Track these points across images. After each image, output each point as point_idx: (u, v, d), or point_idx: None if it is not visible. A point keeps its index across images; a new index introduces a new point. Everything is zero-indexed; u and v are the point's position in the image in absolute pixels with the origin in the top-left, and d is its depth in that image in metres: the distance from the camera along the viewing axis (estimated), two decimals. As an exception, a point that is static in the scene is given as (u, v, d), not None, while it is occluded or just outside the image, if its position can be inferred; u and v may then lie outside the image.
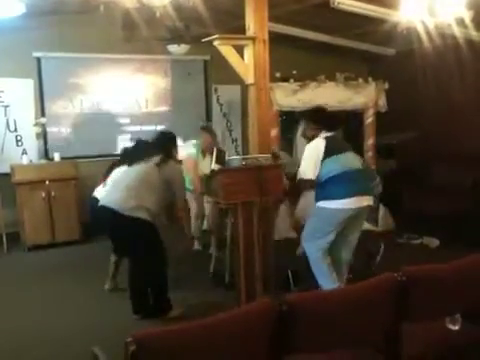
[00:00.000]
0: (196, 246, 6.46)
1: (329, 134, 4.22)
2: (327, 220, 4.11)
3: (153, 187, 4.14)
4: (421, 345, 2.57)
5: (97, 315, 4.38)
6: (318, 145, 4.14)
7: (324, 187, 4.10)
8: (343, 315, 2.26)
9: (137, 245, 4.10)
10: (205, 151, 5.77)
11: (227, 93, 8.16)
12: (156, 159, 4.16)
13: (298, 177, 4.19)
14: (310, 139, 4.30)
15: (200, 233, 6.43)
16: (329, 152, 4.09)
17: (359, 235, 4.31)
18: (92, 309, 4.53)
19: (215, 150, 5.06)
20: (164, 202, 4.31)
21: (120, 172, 4.42)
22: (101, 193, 4.64)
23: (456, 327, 2.69)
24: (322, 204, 4.12)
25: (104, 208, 4.14)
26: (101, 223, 4.35)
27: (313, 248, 4.22)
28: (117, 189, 4.19)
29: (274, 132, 6.37)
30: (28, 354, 3.78)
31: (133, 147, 4.92)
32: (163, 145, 4.34)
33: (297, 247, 5.88)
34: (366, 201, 4.12)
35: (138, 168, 4.19)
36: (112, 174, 4.60)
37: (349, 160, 4.19)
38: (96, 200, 4.62)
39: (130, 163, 4.27)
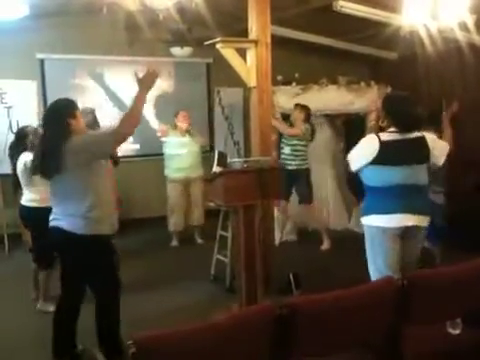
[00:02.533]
0: (174, 243, 6.62)
1: (395, 135, 3.47)
2: (377, 240, 3.53)
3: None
4: (421, 349, 2.57)
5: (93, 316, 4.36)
6: (371, 145, 3.45)
7: (368, 198, 3.61)
8: (344, 319, 2.26)
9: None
10: (178, 125, 6.46)
11: (229, 96, 8.15)
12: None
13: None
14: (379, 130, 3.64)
15: (181, 228, 6.58)
16: (381, 160, 3.41)
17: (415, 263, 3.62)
18: (90, 310, 4.52)
19: (217, 152, 5.06)
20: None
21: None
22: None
23: (456, 331, 2.69)
24: (366, 221, 3.58)
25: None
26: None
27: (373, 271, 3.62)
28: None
29: (275, 136, 6.38)
30: (28, 354, 3.79)
31: (18, 141, 4.57)
32: (54, 121, 3.36)
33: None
34: (413, 220, 3.45)
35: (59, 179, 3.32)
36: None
37: (407, 174, 3.45)
38: (26, 209, 4.48)
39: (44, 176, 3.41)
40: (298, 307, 2.12)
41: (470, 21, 4.86)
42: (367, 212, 3.56)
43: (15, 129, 6.79)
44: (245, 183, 3.73)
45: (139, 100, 3.41)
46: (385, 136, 3.45)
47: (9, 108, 6.84)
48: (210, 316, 2.15)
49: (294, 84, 6.79)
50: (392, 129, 3.46)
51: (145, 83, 3.43)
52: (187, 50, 7.06)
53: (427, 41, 5.63)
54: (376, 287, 2.47)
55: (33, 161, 3.55)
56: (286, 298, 2.20)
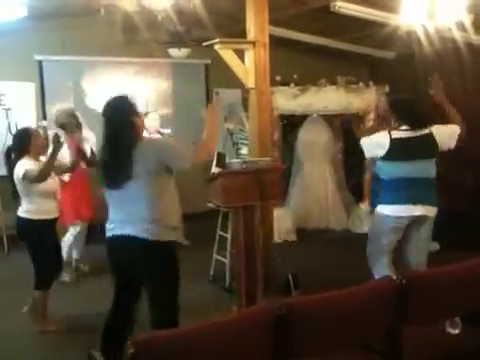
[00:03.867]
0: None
1: (405, 132, 3.82)
2: (381, 227, 3.96)
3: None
4: (421, 348, 2.57)
5: (92, 317, 4.35)
6: (382, 141, 3.81)
7: (381, 189, 3.97)
8: (343, 318, 2.26)
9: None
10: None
11: (228, 97, 8.17)
12: None
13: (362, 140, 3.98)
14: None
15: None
16: (392, 156, 3.78)
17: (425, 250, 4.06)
18: (91, 310, 4.52)
19: (216, 153, 5.07)
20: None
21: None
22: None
23: (456, 331, 2.69)
24: (378, 209, 3.97)
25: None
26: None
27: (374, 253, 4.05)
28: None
29: (275, 136, 6.39)
30: (27, 356, 3.79)
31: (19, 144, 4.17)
32: (119, 133, 3.10)
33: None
34: (420, 211, 3.87)
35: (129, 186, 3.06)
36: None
37: (414, 168, 3.83)
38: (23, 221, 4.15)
39: (112, 186, 3.10)
40: (297, 307, 2.12)
41: (467, 21, 4.86)
42: (382, 202, 3.92)
43: (14, 131, 6.81)
44: (244, 184, 3.73)
45: (211, 129, 3.32)
46: (397, 134, 3.80)
47: (7, 110, 6.84)
48: (209, 317, 2.15)
49: (292, 85, 6.79)
50: (404, 127, 3.82)
51: (212, 113, 3.43)
52: (185, 51, 7.06)
53: (425, 41, 5.64)
54: (375, 287, 2.47)
55: (102, 169, 3.13)
56: (285, 298, 2.19)
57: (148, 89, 7.86)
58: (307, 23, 6.68)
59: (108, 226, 3.17)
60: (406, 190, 3.80)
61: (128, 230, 3.04)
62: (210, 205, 5.42)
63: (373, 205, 4.18)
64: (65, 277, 5.18)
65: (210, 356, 1.94)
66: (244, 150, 6.14)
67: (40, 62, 7.11)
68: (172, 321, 3.12)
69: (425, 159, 3.89)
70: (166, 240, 3.07)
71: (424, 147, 3.87)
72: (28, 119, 6.93)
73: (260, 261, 3.97)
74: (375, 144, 3.87)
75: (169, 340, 1.90)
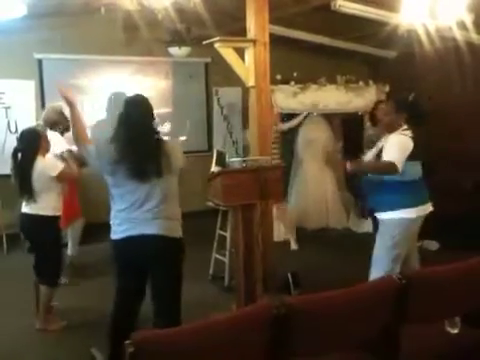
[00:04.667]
0: None
1: (409, 132, 3.81)
2: (407, 232, 3.81)
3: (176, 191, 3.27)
4: (420, 348, 2.57)
5: (93, 317, 4.36)
6: (409, 142, 3.74)
7: (401, 192, 3.75)
8: (342, 318, 2.25)
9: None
10: None
11: (228, 95, 8.16)
12: None
13: (391, 159, 3.66)
14: (388, 130, 3.90)
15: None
16: (414, 156, 3.74)
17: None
18: (90, 310, 4.52)
19: (215, 152, 5.08)
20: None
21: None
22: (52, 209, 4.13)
23: (455, 330, 2.69)
24: (402, 214, 3.75)
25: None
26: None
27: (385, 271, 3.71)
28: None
29: (277, 133, 6.40)
30: (27, 355, 3.79)
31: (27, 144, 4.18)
32: (146, 133, 3.12)
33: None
34: (431, 207, 3.94)
35: (157, 183, 3.11)
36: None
37: (419, 168, 3.89)
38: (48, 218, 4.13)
39: (140, 177, 3.05)
40: (296, 307, 2.11)
41: (468, 20, 4.86)
42: (405, 206, 3.74)
43: (13, 129, 6.82)
44: (244, 183, 3.73)
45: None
46: (408, 134, 3.77)
47: (7, 108, 6.84)
48: (208, 315, 2.15)
49: (293, 83, 6.79)
50: (406, 127, 3.80)
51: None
52: (185, 50, 7.05)
53: (425, 40, 5.62)
54: (374, 286, 2.47)
55: (133, 164, 3.05)
56: (284, 297, 2.19)
57: (148, 88, 7.85)
58: (307, 22, 6.68)
59: (119, 227, 3.12)
60: (423, 189, 3.87)
61: (149, 229, 3.05)
62: (210, 204, 5.43)
63: (371, 210, 3.97)
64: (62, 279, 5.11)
65: (209, 355, 1.94)
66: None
67: (40, 60, 7.11)
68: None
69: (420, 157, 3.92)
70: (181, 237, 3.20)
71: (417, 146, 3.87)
72: (28, 117, 6.92)
73: (259, 260, 3.97)
74: (406, 150, 3.70)
75: (168, 339, 1.89)
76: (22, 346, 3.92)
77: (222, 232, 5.23)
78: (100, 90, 7.50)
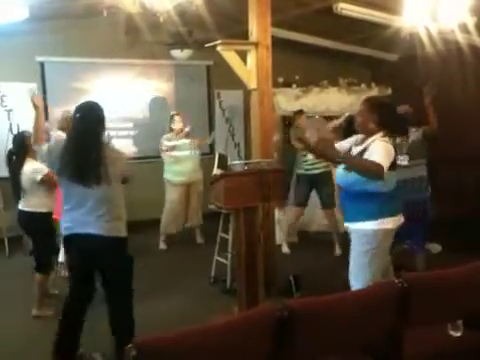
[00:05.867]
0: (162, 246, 6.63)
1: (390, 140, 3.47)
2: (384, 245, 3.50)
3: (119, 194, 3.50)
4: (422, 351, 2.56)
5: (94, 319, 4.35)
6: (391, 150, 3.41)
7: (375, 203, 3.44)
8: (345, 321, 2.25)
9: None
10: (175, 129, 6.44)
11: (230, 98, 8.18)
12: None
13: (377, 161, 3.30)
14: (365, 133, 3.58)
15: (174, 231, 6.63)
16: (394, 165, 3.44)
17: None
18: (91, 312, 4.51)
19: (217, 154, 5.07)
20: None
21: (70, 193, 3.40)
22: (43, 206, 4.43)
23: (458, 333, 2.68)
24: (378, 225, 3.43)
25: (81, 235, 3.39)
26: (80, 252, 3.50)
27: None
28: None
29: (278, 137, 6.38)
30: (28, 355, 3.80)
31: (17, 147, 4.54)
32: (90, 143, 3.32)
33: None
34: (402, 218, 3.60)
35: (98, 188, 3.30)
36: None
37: (395, 180, 3.56)
38: (26, 214, 4.48)
39: (81, 184, 3.28)
40: (298, 310, 2.11)
41: (470, 22, 4.85)
42: (380, 216, 3.43)
43: (15, 132, 6.82)
44: (246, 185, 3.72)
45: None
46: (390, 141, 3.45)
47: (9, 111, 6.85)
48: (210, 318, 2.14)
49: (295, 86, 6.79)
50: (382, 134, 3.44)
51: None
52: (187, 52, 7.07)
53: (427, 43, 5.62)
54: (376, 289, 2.46)
55: (72, 169, 3.30)
56: (286, 300, 2.18)
57: (150, 90, 7.87)
58: (309, 24, 6.68)
59: (66, 224, 3.43)
60: (398, 199, 3.57)
61: (91, 229, 3.32)
62: (212, 207, 5.43)
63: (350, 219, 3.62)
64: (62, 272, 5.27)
65: (211, 358, 1.94)
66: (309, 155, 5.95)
67: (42, 63, 7.13)
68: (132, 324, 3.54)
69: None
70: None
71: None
72: (30, 120, 6.92)
73: (261, 263, 3.96)
74: (390, 156, 3.38)
75: (170, 342, 1.89)
76: (24, 348, 3.91)
77: (224, 235, 5.23)
78: (102, 93, 7.51)
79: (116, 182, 3.37)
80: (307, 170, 6.01)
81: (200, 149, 6.62)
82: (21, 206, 4.57)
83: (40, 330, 4.23)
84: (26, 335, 4.15)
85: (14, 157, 4.54)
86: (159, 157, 6.64)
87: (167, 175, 6.53)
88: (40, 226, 4.50)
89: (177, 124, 6.41)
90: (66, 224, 3.42)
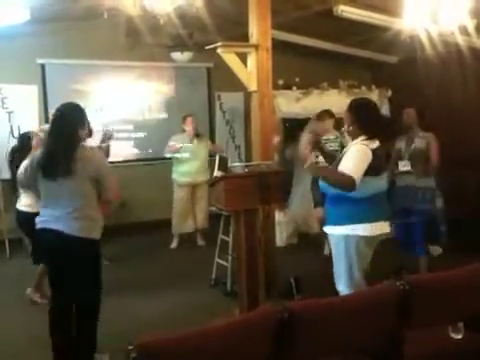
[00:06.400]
0: (173, 244, 6.68)
1: (372, 143, 3.36)
2: (359, 250, 3.39)
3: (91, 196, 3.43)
4: (423, 353, 2.56)
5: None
6: (368, 154, 3.29)
7: (348, 206, 3.36)
8: (345, 323, 2.25)
9: (87, 274, 3.45)
10: (191, 133, 6.54)
11: (230, 100, 8.17)
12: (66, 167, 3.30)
13: (347, 172, 3.26)
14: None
15: (184, 231, 6.69)
16: (373, 170, 3.30)
17: None
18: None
19: (218, 156, 5.08)
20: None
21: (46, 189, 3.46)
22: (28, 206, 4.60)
23: (459, 336, 2.67)
24: (344, 230, 3.37)
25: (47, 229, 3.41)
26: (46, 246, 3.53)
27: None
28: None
29: (278, 138, 6.39)
30: (29, 356, 3.81)
31: (20, 145, 4.80)
32: (66, 134, 3.37)
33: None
34: (387, 227, 3.46)
35: (63, 183, 3.32)
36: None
37: (383, 182, 3.47)
38: (25, 214, 4.60)
39: (48, 176, 3.35)
40: (299, 312, 2.11)
41: (470, 25, 4.86)
42: (352, 221, 3.35)
43: (17, 134, 6.84)
44: (246, 187, 3.72)
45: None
46: (372, 145, 3.34)
47: (10, 113, 6.86)
48: (211, 320, 2.14)
49: (295, 88, 6.80)
50: (364, 137, 3.36)
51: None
52: (187, 55, 7.08)
53: (427, 45, 5.63)
54: (377, 291, 2.46)
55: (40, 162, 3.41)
56: (287, 302, 2.18)
57: (151, 92, 7.88)
58: (310, 27, 6.69)
59: (39, 218, 3.47)
60: (380, 206, 3.42)
61: (61, 226, 3.33)
62: (212, 209, 5.43)
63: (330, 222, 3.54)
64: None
65: (212, 360, 1.94)
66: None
67: (43, 65, 7.14)
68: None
69: (386, 171, 3.54)
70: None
71: (385, 159, 3.56)
72: (31, 122, 6.94)
73: (262, 265, 3.96)
74: (364, 161, 3.28)
75: (171, 344, 1.89)
76: (25, 348, 3.92)
77: (224, 237, 5.23)
78: (103, 95, 7.53)
79: (86, 180, 3.34)
80: None
81: (213, 153, 6.49)
82: (18, 205, 4.71)
83: (41, 331, 4.22)
84: (27, 336, 4.15)
85: (16, 155, 4.72)
86: (162, 159, 6.72)
87: (174, 175, 6.64)
88: (24, 224, 4.61)
89: (188, 126, 6.50)
90: (41, 218, 3.45)
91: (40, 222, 3.45)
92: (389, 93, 7.14)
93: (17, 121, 6.88)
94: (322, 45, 7.44)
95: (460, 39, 5.51)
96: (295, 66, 7.48)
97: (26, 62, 6.85)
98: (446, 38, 5.53)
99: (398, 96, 7.11)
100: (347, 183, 3.21)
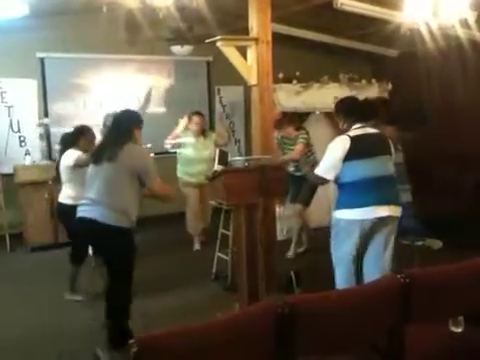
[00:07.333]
0: (196, 246, 6.46)
1: (360, 130, 3.72)
2: (344, 233, 3.74)
3: (126, 186, 3.71)
4: (424, 347, 2.57)
5: (96, 316, 4.35)
6: (342, 144, 3.65)
7: (342, 193, 3.76)
8: (346, 317, 2.25)
9: (118, 257, 3.75)
10: (196, 133, 6.20)
11: (230, 94, 8.17)
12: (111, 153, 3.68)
13: (315, 170, 3.80)
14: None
15: (199, 231, 6.48)
16: (353, 155, 3.60)
17: (392, 251, 3.81)
18: (93, 309, 4.52)
19: (218, 151, 5.06)
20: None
21: (90, 174, 3.87)
22: (70, 198, 4.74)
23: (459, 329, 2.68)
24: (338, 215, 3.75)
25: (84, 219, 3.75)
26: (82, 234, 4.00)
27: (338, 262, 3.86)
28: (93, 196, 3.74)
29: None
30: (28, 352, 3.81)
31: (72, 134, 5.01)
32: (122, 127, 3.84)
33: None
34: (386, 211, 3.66)
35: (106, 167, 3.69)
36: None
37: (376, 166, 3.70)
38: (66, 206, 4.71)
39: (96, 161, 3.78)
40: (299, 306, 2.11)
41: (471, 18, 4.83)
42: (342, 206, 3.73)
43: (16, 128, 6.86)
44: (246, 182, 3.72)
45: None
46: (352, 133, 3.70)
47: (10, 107, 6.86)
48: (211, 315, 2.14)
49: (295, 82, 6.78)
50: (357, 125, 3.75)
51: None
52: (187, 48, 7.05)
53: (428, 38, 5.60)
54: (378, 285, 2.46)
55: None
56: (287, 296, 2.18)
57: (150, 86, 7.86)
58: (310, 20, 6.67)
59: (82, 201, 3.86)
60: (372, 191, 3.62)
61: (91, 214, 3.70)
62: (213, 203, 5.42)
63: None
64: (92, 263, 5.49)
65: (212, 354, 1.94)
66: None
67: (42, 59, 7.12)
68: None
69: (384, 155, 3.78)
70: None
71: (380, 143, 3.81)
72: (30, 116, 6.94)
73: (262, 259, 3.96)
74: (338, 151, 3.65)
75: (172, 338, 1.89)
76: (22, 344, 3.92)
77: (225, 231, 5.23)
78: (102, 89, 7.51)
79: (126, 172, 3.66)
80: None
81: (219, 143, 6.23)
82: (60, 198, 4.92)
83: (41, 325, 4.24)
84: (26, 330, 4.16)
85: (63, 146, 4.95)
86: (159, 153, 6.62)
87: (179, 173, 6.39)
88: (67, 220, 4.59)
89: (194, 125, 6.16)
90: (79, 207, 3.82)
91: (78, 211, 3.79)
92: (389, 86, 7.12)
93: (17, 115, 6.89)
94: (322, 38, 7.42)
95: (461, 32, 5.48)
96: (295, 59, 7.45)
97: (25, 56, 6.82)
98: (446, 31, 5.51)
99: (398, 89, 7.09)
100: (316, 180, 3.89)
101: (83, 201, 3.80)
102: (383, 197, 3.66)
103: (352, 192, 3.65)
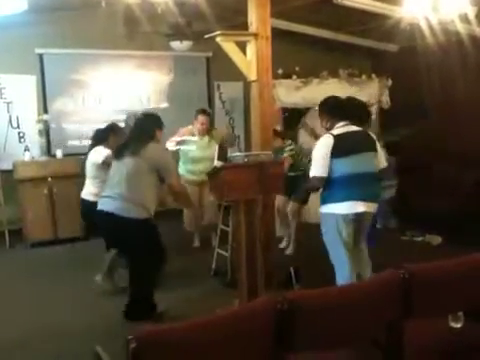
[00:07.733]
0: (196, 243, 6.43)
1: (343, 128, 3.87)
2: (330, 227, 3.89)
3: (145, 180, 4.02)
4: (423, 342, 2.57)
5: (96, 312, 4.37)
6: (325, 142, 3.82)
7: (325, 189, 3.89)
8: (345, 313, 2.25)
9: (138, 246, 4.02)
10: (201, 133, 6.02)
11: (229, 90, 8.15)
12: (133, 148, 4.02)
13: (310, 174, 3.91)
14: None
15: (199, 229, 6.43)
16: (337, 152, 3.76)
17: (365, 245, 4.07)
18: (93, 306, 4.53)
19: (217, 147, 5.05)
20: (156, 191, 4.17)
21: (112, 170, 4.21)
22: (92, 195, 4.80)
23: (458, 325, 2.68)
24: (322, 209, 3.93)
25: (103, 212, 4.05)
26: (101, 227, 4.23)
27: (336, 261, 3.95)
28: (113, 190, 4.05)
29: (280, 128, 6.37)
30: (28, 349, 3.80)
31: (104, 131, 5.09)
32: (145, 128, 4.21)
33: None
34: (363, 207, 3.81)
35: (127, 162, 4.01)
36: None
37: (359, 162, 3.83)
38: (88, 203, 4.79)
39: (118, 156, 4.14)
40: (298, 302, 2.11)
41: (471, 13, 4.82)
42: (327, 201, 3.87)
43: (15, 124, 6.85)
44: (246, 178, 3.71)
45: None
46: (335, 131, 3.86)
47: (9, 103, 6.84)
48: (210, 311, 2.14)
49: (295, 77, 6.77)
50: (340, 124, 3.89)
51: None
52: (186, 44, 7.03)
53: (428, 33, 5.59)
54: (377, 281, 2.46)
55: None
56: (286, 292, 2.18)
57: (149, 82, 7.84)
58: (309, 15, 6.65)
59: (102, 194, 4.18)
60: (352, 186, 3.78)
61: (109, 207, 4.00)
62: (212, 199, 5.41)
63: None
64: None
65: (212, 350, 1.94)
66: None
67: (41, 55, 7.10)
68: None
69: (368, 152, 3.91)
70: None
71: (364, 141, 3.93)
72: (29, 112, 6.93)
73: (261, 255, 3.96)
74: (325, 150, 3.79)
75: (171, 334, 1.89)
76: (21, 340, 3.92)
77: (224, 227, 5.23)
78: (102, 85, 7.50)
79: (146, 167, 3.95)
80: None
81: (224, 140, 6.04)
82: (82, 194, 4.99)
83: (42, 319, 4.24)
84: (27, 325, 4.16)
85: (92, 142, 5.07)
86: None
87: (180, 171, 6.18)
88: (89, 216, 4.66)
89: (200, 125, 5.94)
90: (100, 199, 4.11)
91: (99, 203, 4.07)
92: (389, 82, 7.11)
93: (16, 111, 6.87)
94: (322, 34, 7.40)
95: (460, 27, 5.48)
96: (295, 55, 7.44)
97: (24, 52, 6.81)
98: (446, 26, 5.50)
99: (398, 85, 7.08)
100: (314, 183, 3.91)
101: (104, 193, 4.10)
102: (362, 193, 3.82)
103: (334, 187, 3.80)
